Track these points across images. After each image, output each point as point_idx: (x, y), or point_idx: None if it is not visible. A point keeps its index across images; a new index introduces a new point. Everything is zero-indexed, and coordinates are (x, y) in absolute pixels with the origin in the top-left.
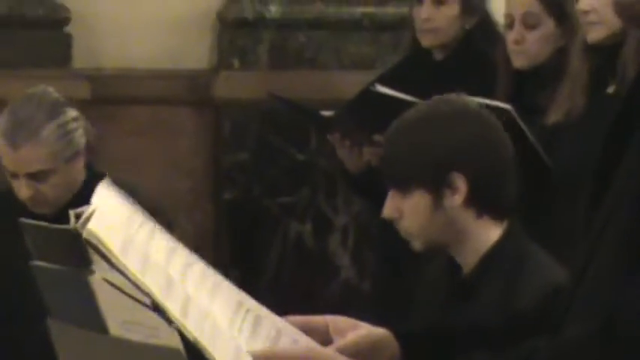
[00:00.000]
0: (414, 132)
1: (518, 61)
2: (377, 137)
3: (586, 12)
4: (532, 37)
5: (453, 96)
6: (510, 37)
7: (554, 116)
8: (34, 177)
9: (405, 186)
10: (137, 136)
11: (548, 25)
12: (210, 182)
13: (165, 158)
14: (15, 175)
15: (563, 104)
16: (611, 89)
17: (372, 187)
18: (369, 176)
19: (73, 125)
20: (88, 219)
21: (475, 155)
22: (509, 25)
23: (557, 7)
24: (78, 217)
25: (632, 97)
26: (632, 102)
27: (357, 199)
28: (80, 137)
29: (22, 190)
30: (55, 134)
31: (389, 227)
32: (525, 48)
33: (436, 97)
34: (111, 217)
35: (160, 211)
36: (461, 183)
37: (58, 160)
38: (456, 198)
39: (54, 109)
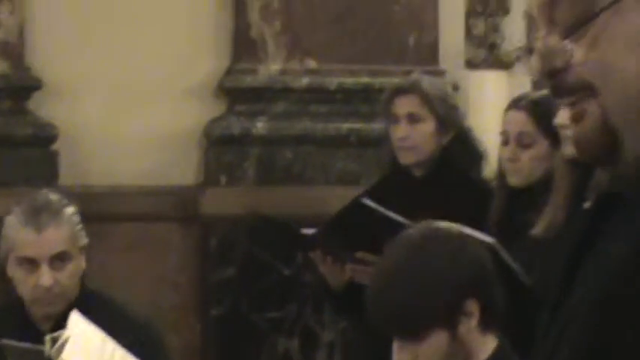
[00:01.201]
0: (417, 277)
1: (513, 179)
2: (360, 254)
3: (562, 126)
4: (526, 156)
5: (437, 224)
6: (505, 154)
7: (538, 229)
8: (57, 259)
9: (419, 333)
10: (125, 253)
11: (542, 145)
12: (197, 298)
13: (153, 274)
14: (35, 264)
15: (546, 218)
16: (587, 204)
17: (354, 304)
18: (351, 293)
19: (79, 218)
20: (62, 346)
21: (481, 279)
22: (505, 142)
23: (551, 129)
24: (54, 341)
25: (594, 212)
26: (594, 218)
27: (340, 316)
28: (84, 233)
29: (44, 277)
30: (73, 217)
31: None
32: (519, 167)
33: (421, 228)
34: (84, 344)
35: (149, 327)
36: (474, 307)
37: (77, 244)
38: (472, 322)
39: (63, 200)
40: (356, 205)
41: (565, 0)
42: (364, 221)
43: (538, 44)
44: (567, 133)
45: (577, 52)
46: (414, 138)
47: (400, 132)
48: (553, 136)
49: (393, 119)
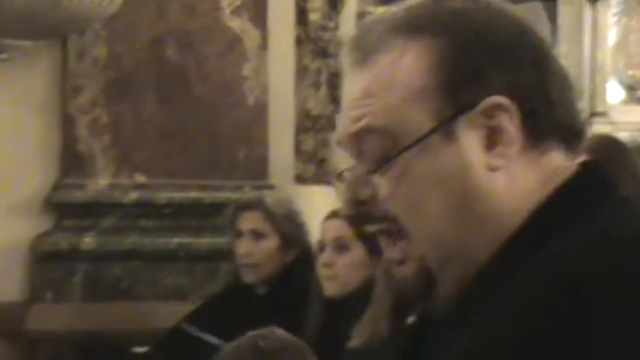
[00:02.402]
0: None
1: (329, 288)
2: None
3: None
4: (342, 261)
5: (267, 331)
6: (320, 260)
7: (356, 340)
8: None
9: None
10: None
11: (359, 251)
12: None
13: None
14: None
15: (366, 329)
16: (410, 319)
17: None
18: None
19: None
20: None
21: None
22: (321, 249)
23: (367, 234)
24: None
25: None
26: (417, 334)
27: None
28: None
29: None
30: None
31: None
32: (335, 272)
33: (250, 336)
34: None
35: None
36: None
37: None
38: None
39: None
40: (176, 329)
41: (372, 135)
42: (184, 344)
43: (346, 174)
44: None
45: (382, 186)
46: (257, 254)
47: (243, 248)
48: (371, 242)
49: (237, 234)
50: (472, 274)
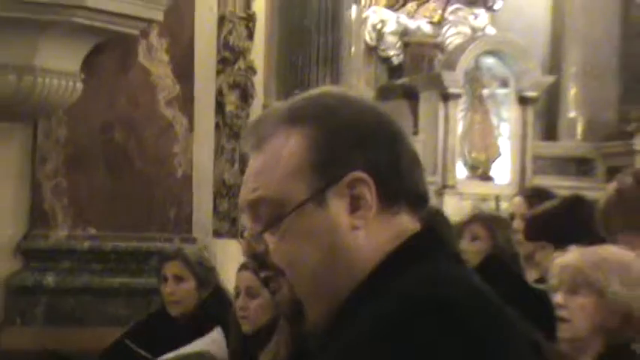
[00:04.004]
0: None
1: (244, 326)
2: None
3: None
4: (252, 305)
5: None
6: (237, 304)
7: None
8: None
9: None
10: None
11: (265, 295)
12: None
13: None
14: None
15: (270, 354)
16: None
17: None
18: None
19: None
20: None
21: None
22: (237, 294)
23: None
24: None
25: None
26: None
27: None
28: None
29: None
30: None
31: None
32: (247, 314)
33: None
34: None
35: None
36: None
37: None
38: None
39: None
40: (119, 342)
41: (263, 203)
42: (125, 356)
43: (246, 233)
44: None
45: (271, 242)
46: (179, 294)
47: (168, 289)
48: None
49: (163, 279)
50: (335, 309)
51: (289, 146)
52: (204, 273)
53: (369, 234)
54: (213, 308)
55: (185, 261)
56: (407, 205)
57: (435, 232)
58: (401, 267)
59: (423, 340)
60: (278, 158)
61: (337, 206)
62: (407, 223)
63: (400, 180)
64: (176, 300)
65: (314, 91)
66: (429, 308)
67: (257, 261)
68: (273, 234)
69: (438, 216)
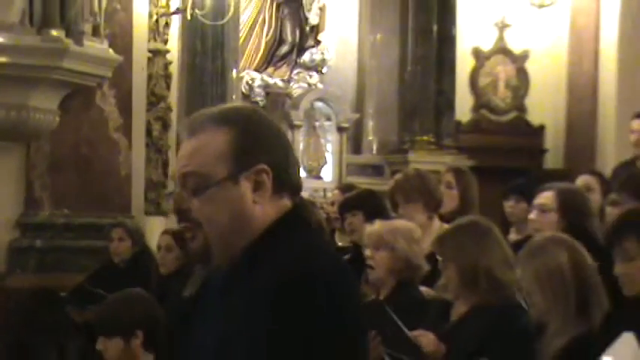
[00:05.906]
0: None
1: (162, 268)
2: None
3: None
4: (169, 256)
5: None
6: (159, 256)
7: (188, 291)
8: None
9: None
10: None
11: (177, 251)
12: None
13: None
14: None
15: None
16: (187, 292)
17: None
18: None
19: None
20: None
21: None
22: (159, 249)
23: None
24: None
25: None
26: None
27: None
28: None
29: None
30: None
31: None
32: (167, 261)
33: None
34: None
35: None
36: None
37: None
38: None
39: None
40: (81, 285)
41: (193, 175)
42: (88, 295)
43: (175, 194)
44: None
45: (196, 204)
46: (120, 249)
47: (114, 246)
48: (181, 241)
49: (111, 239)
50: (236, 257)
51: (217, 138)
52: (137, 236)
53: (264, 208)
54: (142, 259)
55: (125, 228)
56: (288, 193)
57: (302, 210)
58: (279, 232)
59: (299, 301)
60: (207, 145)
61: (245, 186)
62: (287, 204)
63: (288, 175)
64: (118, 252)
65: (237, 103)
66: (302, 274)
67: (182, 215)
68: (199, 197)
69: (303, 200)
